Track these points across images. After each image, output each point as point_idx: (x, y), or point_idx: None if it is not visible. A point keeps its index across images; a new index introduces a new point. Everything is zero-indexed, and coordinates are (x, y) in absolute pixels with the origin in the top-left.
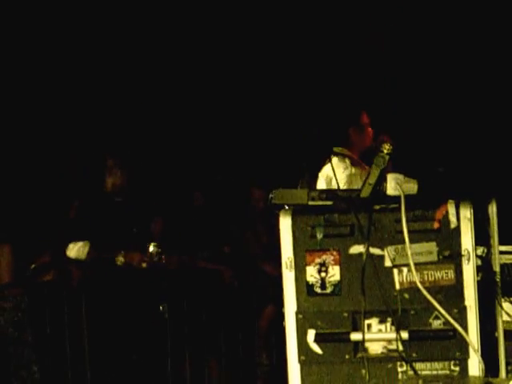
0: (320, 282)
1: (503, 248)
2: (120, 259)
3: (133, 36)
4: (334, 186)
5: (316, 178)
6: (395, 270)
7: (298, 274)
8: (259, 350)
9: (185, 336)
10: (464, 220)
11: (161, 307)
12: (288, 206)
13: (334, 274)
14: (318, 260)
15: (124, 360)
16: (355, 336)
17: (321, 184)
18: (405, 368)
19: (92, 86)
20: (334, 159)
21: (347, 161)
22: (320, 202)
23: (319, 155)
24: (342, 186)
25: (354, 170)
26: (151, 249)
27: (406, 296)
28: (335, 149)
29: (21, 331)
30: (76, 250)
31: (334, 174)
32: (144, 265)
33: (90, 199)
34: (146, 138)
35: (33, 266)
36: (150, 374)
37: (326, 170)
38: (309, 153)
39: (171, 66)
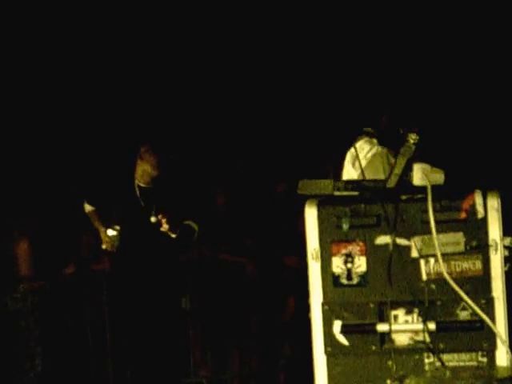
0: (346, 272)
1: None
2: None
3: (157, 30)
4: (358, 164)
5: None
6: (422, 261)
7: (324, 264)
8: (281, 341)
9: (207, 327)
10: (491, 210)
11: (183, 301)
12: (313, 196)
13: (361, 264)
14: (344, 251)
15: (143, 351)
16: (382, 327)
17: (346, 162)
18: (432, 359)
19: (114, 81)
20: (363, 138)
21: (374, 140)
22: (346, 193)
23: (345, 141)
24: (364, 165)
25: (380, 149)
26: (110, 232)
27: (433, 287)
28: (366, 129)
29: (28, 323)
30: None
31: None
32: (103, 246)
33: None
34: (170, 133)
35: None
36: (171, 364)
37: (353, 149)
38: (335, 142)
39: (198, 60)
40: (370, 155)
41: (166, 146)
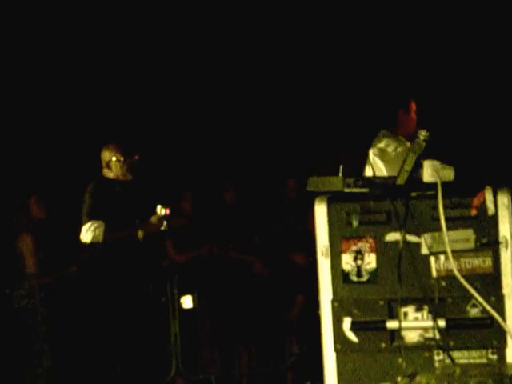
0: (356, 269)
1: None
2: (140, 233)
3: (149, 29)
4: (388, 159)
5: (358, 161)
6: (432, 258)
7: (334, 261)
8: (289, 339)
9: (215, 325)
10: (502, 207)
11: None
12: (323, 193)
13: (370, 261)
14: (353, 247)
15: (149, 348)
16: (391, 324)
17: (373, 157)
18: (442, 356)
19: (105, 77)
20: (386, 135)
21: (401, 137)
22: (356, 189)
23: (361, 138)
24: (395, 160)
25: (408, 145)
26: (159, 209)
27: (443, 284)
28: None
29: (34, 320)
30: (90, 232)
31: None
32: (163, 227)
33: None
34: (178, 130)
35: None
36: (179, 363)
37: (379, 145)
38: (349, 137)
39: (206, 56)
40: (400, 150)
41: (129, 148)
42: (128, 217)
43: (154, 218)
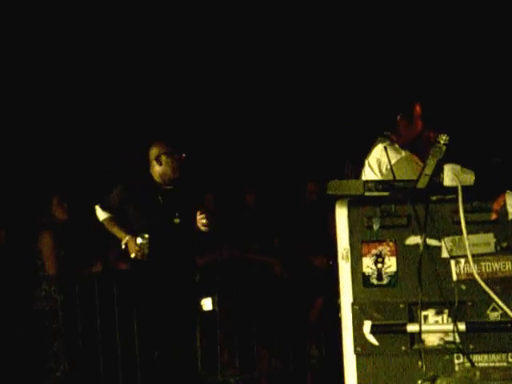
0: (376, 273)
1: None
2: (123, 239)
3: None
4: (383, 170)
5: (361, 164)
6: (452, 261)
7: (354, 265)
8: (309, 341)
9: (235, 327)
10: None
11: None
12: (343, 196)
13: (391, 265)
14: (374, 251)
15: (171, 350)
16: (412, 327)
17: (369, 168)
18: (462, 360)
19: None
20: (383, 142)
21: (396, 145)
22: (376, 193)
23: (363, 141)
24: (390, 171)
25: (404, 154)
26: (139, 241)
27: (464, 287)
28: (385, 133)
29: (53, 322)
30: (97, 211)
31: (389, 159)
32: (132, 255)
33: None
34: (198, 131)
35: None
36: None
37: (374, 154)
38: (352, 140)
39: (225, 62)
40: (394, 161)
41: (178, 146)
42: (169, 211)
43: (132, 242)
